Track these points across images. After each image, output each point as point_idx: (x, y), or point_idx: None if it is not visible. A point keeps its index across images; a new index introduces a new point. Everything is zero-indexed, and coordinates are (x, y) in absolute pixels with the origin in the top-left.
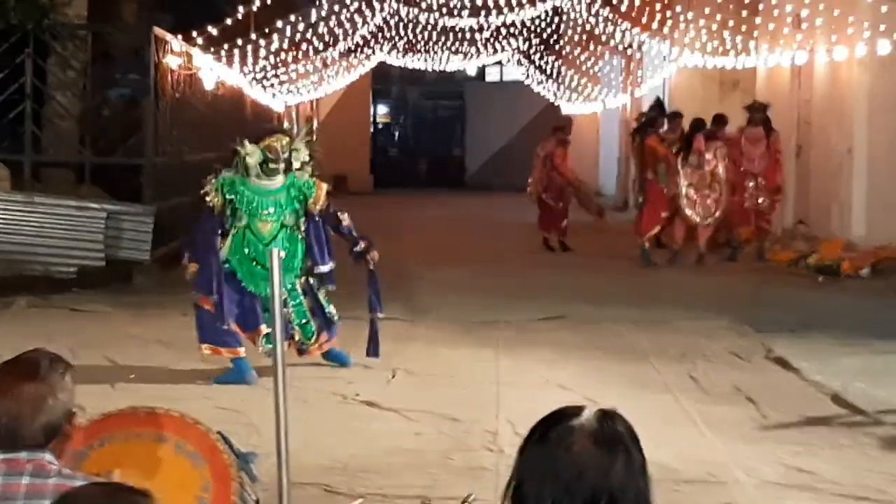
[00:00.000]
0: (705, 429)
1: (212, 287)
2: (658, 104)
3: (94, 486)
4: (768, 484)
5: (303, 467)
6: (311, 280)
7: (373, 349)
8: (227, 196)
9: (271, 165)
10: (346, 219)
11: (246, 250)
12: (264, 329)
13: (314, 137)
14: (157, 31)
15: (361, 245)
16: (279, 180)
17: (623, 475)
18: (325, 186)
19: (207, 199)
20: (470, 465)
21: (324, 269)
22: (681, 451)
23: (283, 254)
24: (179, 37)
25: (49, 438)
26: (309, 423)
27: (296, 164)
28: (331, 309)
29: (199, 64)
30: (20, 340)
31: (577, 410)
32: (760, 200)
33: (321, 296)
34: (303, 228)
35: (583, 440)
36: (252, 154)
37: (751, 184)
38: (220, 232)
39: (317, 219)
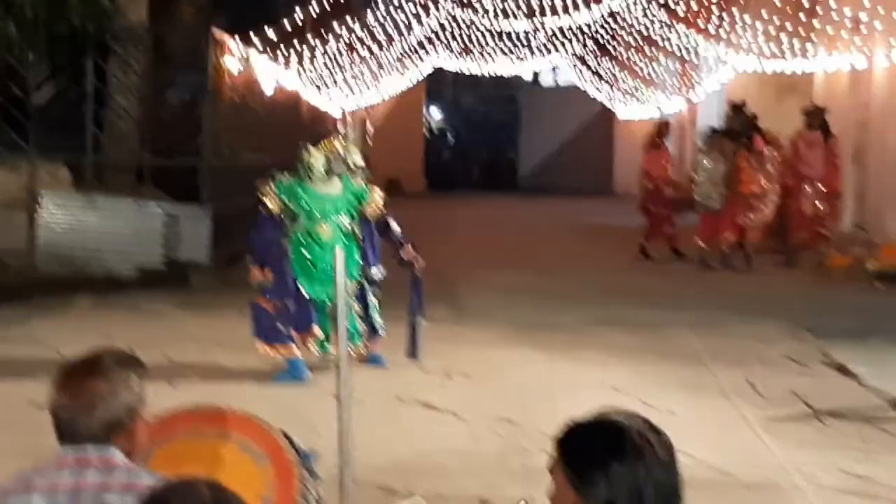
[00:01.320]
0: (762, 433)
1: (287, 291)
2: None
3: (200, 483)
4: (826, 489)
5: (360, 467)
6: (364, 285)
7: (413, 351)
8: (286, 200)
9: (336, 169)
10: (394, 224)
11: (304, 252)
12: (317, 331)
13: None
14: (216, 32)
15: (408, 251)
16: (337, 184)
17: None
18: (378, 191)
19: (266, 203)
20: (525, 467)
21: (375, 272)
22: (738, 456)
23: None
24: (237, 39)
25: (109, 434)
26: (366, 423)
27: (350, 172)
28: (378, 318)
29: (256, 66)
30: (81, 339)
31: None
32: (819, 205)
33: (370, 302)
34: (357, 233)
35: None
36: (317, 158)
37: (808, 188)
38: (282, 234)
39: (370, 223)
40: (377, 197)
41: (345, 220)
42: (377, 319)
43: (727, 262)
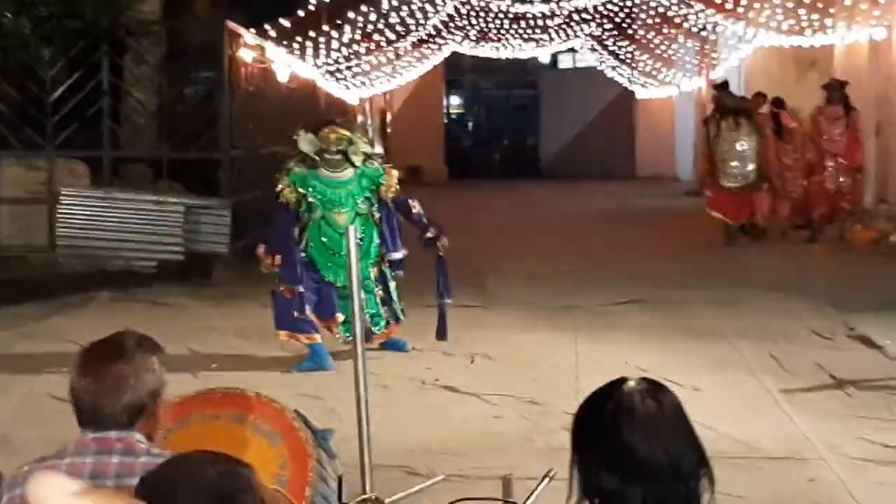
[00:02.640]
0: (788, 407)
1: (296, 278)
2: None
3: (199, 452)
4: (852, 460)
5: (383, 450)
6: (384, 269)
7: (442, 333)
8: (301, 190)
9: (326, 156)
10: (416, 206)
11: (323, 240)
12: (340, 317)
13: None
14: (230, 24)
15: (432, 231)
16: (349, 172)
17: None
18: (395, 173)
19: (281, 194)
20: (550, 446)
21: (396, 255)
22: (764, 430)
23: (360, 235)
24: (252, 30)
25: (132, 418)
26: (389, 407)
27: (355, 159)
28: (399, 303)
29: (273, 57)
30: (102, 334)
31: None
32: (841, 180)
33: (392, 287)
34: (376, 216)
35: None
36: (304, 140)
37: (830, 164)
38: (296, 225)
39: (389, 206)
40: (393, 178)
41: (362, 205)
42: (397, 304)
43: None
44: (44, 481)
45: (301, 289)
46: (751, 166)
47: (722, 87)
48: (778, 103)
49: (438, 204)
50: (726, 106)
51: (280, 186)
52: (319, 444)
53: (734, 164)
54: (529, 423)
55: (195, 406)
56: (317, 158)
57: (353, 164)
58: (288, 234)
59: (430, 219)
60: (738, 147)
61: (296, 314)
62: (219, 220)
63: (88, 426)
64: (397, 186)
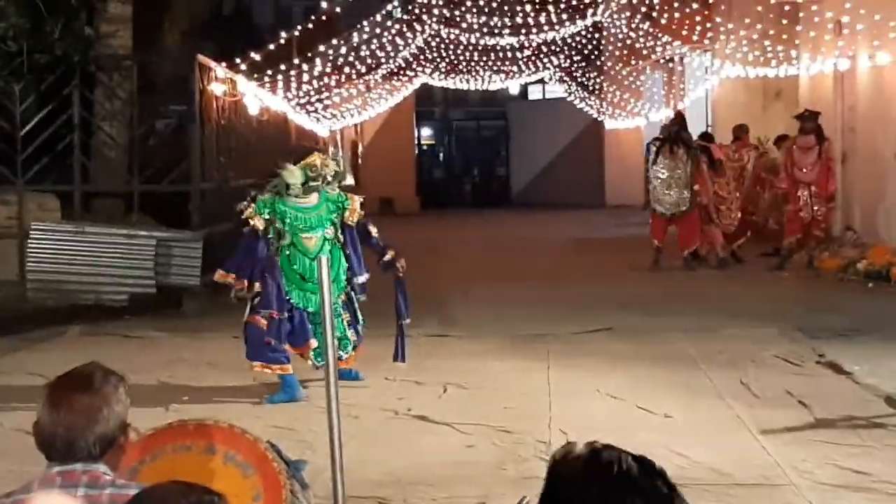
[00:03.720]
0: (758, 433)
1: (279, 304)
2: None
3: (171, 483)
4: (823, 486)
5: (356, 481)
6: (351, 293)
7: (400, 355)
8: (268, 217)
9: (311, 184)
10: (374, 230)
11: (294, 266)
12: (314, 343)
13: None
14: (201, 58)
15: (390, 254)
16: (314, 198)
17: None
18: (357, 199)
19: (250, 221)
20: (523, 475)
21: (361, 279)
22: (734, 456)
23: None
24: (223, 64)
25: (104, 450)
26: (361, 438)
27: (329, 185)
28: (364, 321)
29: (243, 90)
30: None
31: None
32: (815, 209)
33: (358, 310)
34: (341, 240)
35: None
36: (295, 175)
37: (804, 193)
38: (266, 252)
39: (353, 230)
40: (356, 203)
41: (329, 231)
42: (362, 326)
43: (702, 263)
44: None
45: (284, 314)
46: (684, 194)
47: (677, 116)
48: (707, 137)
49: (411, 234)
50: (666, 135)
51: (247, 214)
52: (293, 475)
53: (666, 191)
54: (502, 451)
55: (167, 438)
56: (299, 188)
57: (319, 189)
58: (263, 260)
59: (386, 242)
60: (670, 175)
61: (271, 343)
62: (190, 252)
63: (58, 459)
64: (361, 211)
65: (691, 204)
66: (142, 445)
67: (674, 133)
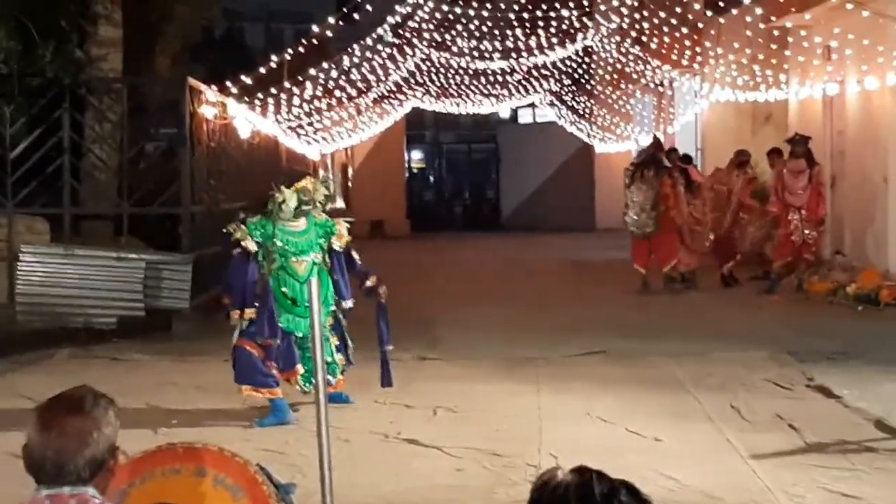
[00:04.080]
0: (748, 457)
1: (272, 331)
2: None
3: None
4: None
5: None
6: (339, 316)
7: (387, 380)
8: (259, 240)
9: (304, 207)
10: (356, 256)
11: (284, 290)
12: (301, 369)
13: (350, 184)
14: (192, 81)
15: (372, 280)
16: (303, 222)
17: None
18: (344, 224)
19: (242, 244)
20: (513, 499)
21: (348, 304)
22: (724, 480)
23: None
24: (213, 87)
25: (94, 473)
26: (352, 461)
27: (317, 208)
28: (352, 343)
29: (234, 113)
30: (62, 390)
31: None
32: (806, 232)
33: (346, 333)
34: (328, 265)
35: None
36: (290, 199)
37: (795, 216)
38: (258, 276)
39: (340, 255)
40: (343, 229)
41: (317, 255)
42: (351, 350)
43: (670, 286)
44: None
45: (277, 342)
46: (651, 214)
47: (653, 142)
48: (686, 159)
49: (401, 257)
50: (640, 160)
51: (238, 236)
52: (282, 499)
53: (637, 213)
54: (492, 475)
55: (157, 461)
56: (291, 211)
57: (307, 213)
58: (255, 285)
59: (368, 268)
60: (639, 197)
61: (261, 367)
62: (179, 275)
63: (44, 482)
64: (348, 237)
65: (657, 224)
66: (130, 468)
67: (648, 157)
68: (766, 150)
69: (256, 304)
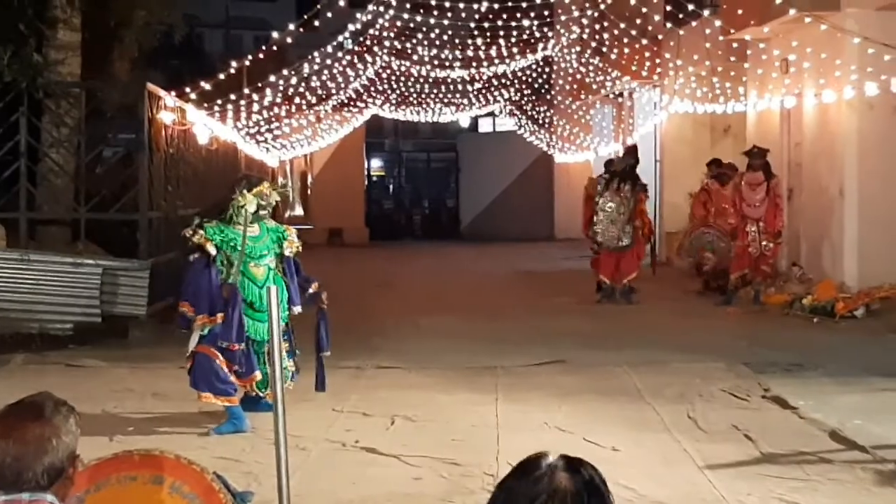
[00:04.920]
0: (704, 467)
1: (234, 335)
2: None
3: None
4: None
5: None
6: (290, 323)
7: (321, 384)
8: (219, 245)
9: (261, 212)
10: (299, 261)
11: (243, 294)
12: (258, 375)
13: (309, 191)
14: (151, 86)
15: (314, 286)
16: (257, 227)
17: None
18: (294, 230)
19: (203, 247)
20: None
21: (298, 309)
22: (681, 490)
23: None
24: (172, 93)
25: (52, 480)
26: (308, 470)
27: (267, 212)
28: (298, 353)
29: (193, 119)
30: (16, 397)
31: (541, 456)
32: (763, 244)
33: (293, 341)
34: (282, 270)
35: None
36: (251, 204)
37: (752, 228)
38: (220, 280)
39: (290, 261)
40: (294, 234)
41: (272, 261)
42: (296, 360)
43: (629, 297)
44: None
45: (242, 346)
46: (626, 229)
47: (629, 151)
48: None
49: (361, 265)
50: (614, 169)
51: (197, 240)
52: None
53: (610, 225)
54: (450, 483)
55: (113, 468)
56: (250, 216)
57: (263, 218)
58: (219, 289)
59: (309, 275)
60: (615, 210)
61: (222, 374)
62: (136, 282)
63: (2, 488)
64: (298, 243)
65: (633, 239)
66: (87, 475)
67: (629, 168)
68: (726, 160)
69: (227, 309)
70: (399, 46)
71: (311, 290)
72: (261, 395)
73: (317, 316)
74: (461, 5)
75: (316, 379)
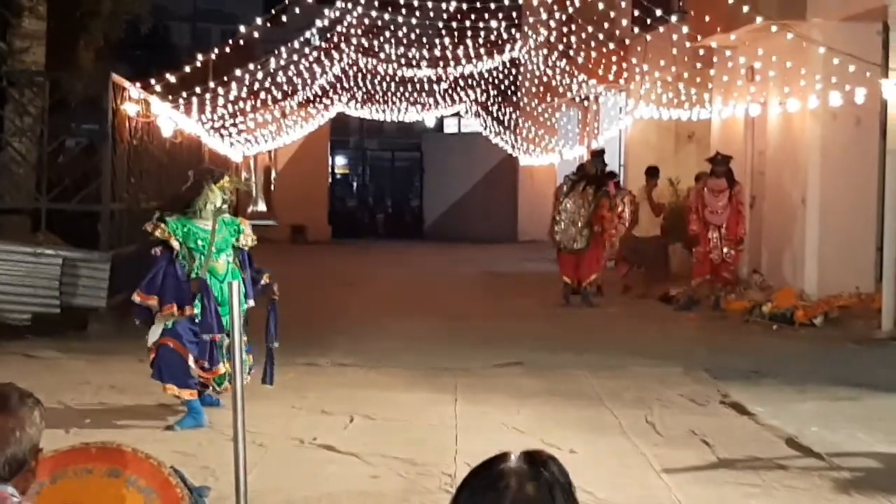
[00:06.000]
0: (661, 471)
1: (215, 327)
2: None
3: None
4: None
5: None
6: (247, 317)
7: (269, 378)
8: (180, 239)
9: (223, 207)
10: (251, 255)
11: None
12: (222, 369)
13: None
14: (116, 77)
15: (266, 278)
16: (213, 220)
17: None
18: (249, 223)
19: (167, 241)
20: None
21: (251, 302)
22: (638, 494)
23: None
24: (137, 84)
25: (13, 472)
26: (266, 466)
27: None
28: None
29: (157, 112)
30: None
31: (504, 457)
32: (725, 251)
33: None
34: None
35: (517, 483)
36: (217, 198)
37: (714, 235)
38: (184, 274)
39: (245, 254)
40: (249, 229)
41: (230, 255)
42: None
43: (588, 299)
44: None
45: (215, 336)
46: (584, 232)
47: (597, 154)
48: (610, 175)
49: (323, 262)
50: (584, 173)
51: (160, 234)
52: (195, 502)
53: (569, 227)
54: (408, 482)
55: (69, 460)
56: (212, 209)
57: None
58: (187, 283)
59: (261, 267)
60: (575, 212)
61: (186, 366)
62: (97, 273)
63: None
64: (253, 236)
65: (588, 242)
66: (44, 465)
67: (599, 172)
68: (688, 168)
69: (201, 301)
70: (366, 44)
71: (262, 282)
72: (217, 389)
73: (267, 307)
74: (429, 4)
75: (264, 372)
